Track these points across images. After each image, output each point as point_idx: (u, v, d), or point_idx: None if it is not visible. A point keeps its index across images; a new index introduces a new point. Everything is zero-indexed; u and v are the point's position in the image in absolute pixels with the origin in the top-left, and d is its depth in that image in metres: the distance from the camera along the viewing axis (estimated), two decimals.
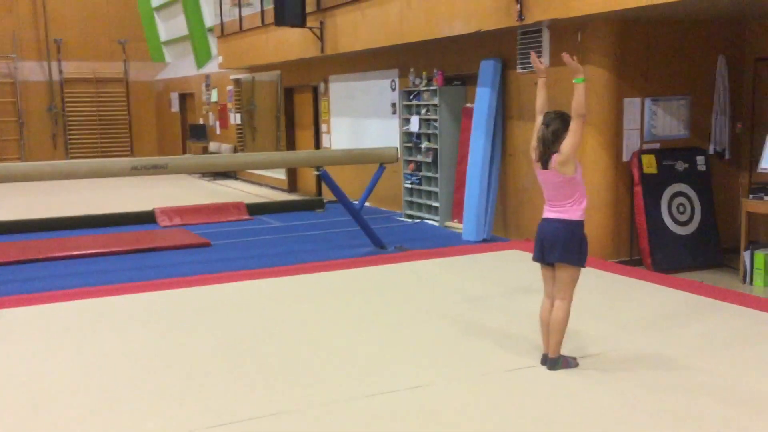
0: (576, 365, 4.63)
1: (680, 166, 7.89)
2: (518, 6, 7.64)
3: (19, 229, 10.28)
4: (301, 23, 11.15)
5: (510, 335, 5.32)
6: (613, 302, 6.20)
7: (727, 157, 8.18)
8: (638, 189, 7.74)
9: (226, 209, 11.20)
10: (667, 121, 8.00)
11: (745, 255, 7.12)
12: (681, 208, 7.84)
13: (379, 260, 7.98)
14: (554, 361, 4.57)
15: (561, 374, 4.54)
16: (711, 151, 8.12)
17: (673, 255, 7.70)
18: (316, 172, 8.10)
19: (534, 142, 4.56)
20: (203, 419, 4.03)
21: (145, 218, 10.78)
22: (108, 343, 5.39)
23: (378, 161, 8.46)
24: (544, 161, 4.49)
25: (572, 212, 4.48)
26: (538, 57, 8.07)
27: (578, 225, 4.50)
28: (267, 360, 4.96)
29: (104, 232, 10.06)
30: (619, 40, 7.67)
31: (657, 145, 7.98)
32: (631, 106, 7.81)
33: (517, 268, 7.39)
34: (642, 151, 7.83)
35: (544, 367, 4.63)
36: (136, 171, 7.24)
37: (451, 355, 4.97)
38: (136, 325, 5.80)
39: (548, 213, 4.59)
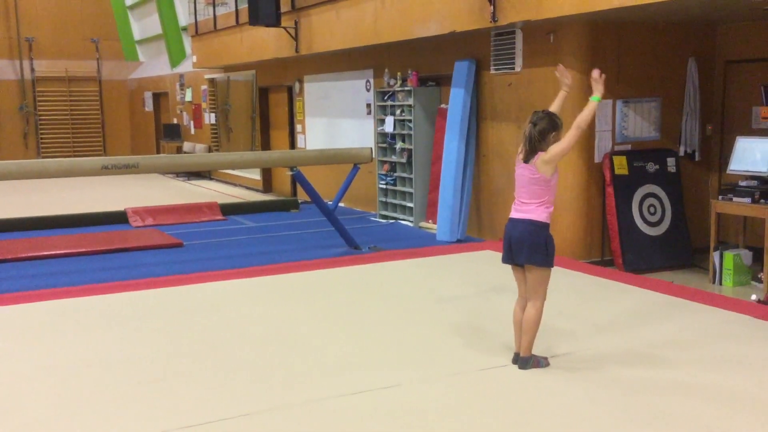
0: (547, 365, 4.65)
1: (651, 167, 7.97)
2: (491, 7, 7.68)
3: None
4: (276, 23, 11.11)
5: (482, 334, 5.34)
6: (585, 302, 6.24)
7: (697, 158, 8.28)
8: (610, 190, 7.80)
9: (199, 209, 11.13)
10: (638, 122, 8.08)
11: (715, 255, 7.20)
12: (652, 209, 7.92)
13: (353, 260, 7.98)
14: (525, 361, 4.60)
15: (532, 373, 4.57)
16: (681, 152, 8.21)
17: (643, 255, 7.77)
18: (290, 172, 8.07)
19: (523, 139, 4.58)
20: (174, 420, 4.00)
21: (117, 218, 10.67)
22: (77, 344, 5.33)
23: (352, 161, 8.45)
24: (526, 156, 4.51)
25: (538, 213, 4.51)
26: (513, 60, 8.13)
27: (544, 227, 4.53)
28: (238, 361, 4.93)
29: (75, 233, 9.95)
30: (591, 42, 7.73)
31: (628, 147, 8.05)
32: (603, 107, 7.87)
33: (490, 269, 7.42)
34: (613, 153, 7.90)
35: (515, 367, 4.65)
36: (107, 170, 7.16)
37: (424, 354, 4.98)
38: (106, 326, 5.74)
39: (515, 213, 4.61)
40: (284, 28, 11.42)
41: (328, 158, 8.45)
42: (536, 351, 4.70)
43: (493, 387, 4.42)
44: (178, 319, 5.89)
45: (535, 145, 4.47)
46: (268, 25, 11.26)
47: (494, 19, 7.70)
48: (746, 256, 7.18)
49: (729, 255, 7.11)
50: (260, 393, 4.37)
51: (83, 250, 8.64)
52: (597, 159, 7.91)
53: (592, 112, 4.48)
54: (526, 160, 4.52)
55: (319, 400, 4.24)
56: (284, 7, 11.39)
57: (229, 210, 11.46)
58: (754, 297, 6.36)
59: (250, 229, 10.26)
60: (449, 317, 5.81)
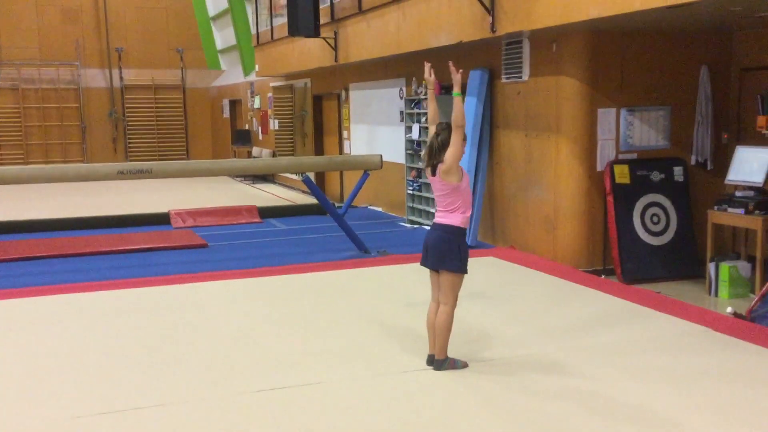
0: (464, 366, 4.79)
1: (656, 176, 7.87)
2: (491, 18, 7.80)
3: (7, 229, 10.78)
4: (314, 33, 11.48)
5: (420, 338, 5.48)
6: (543, 307, 6.30)
7: (709, 167, 8.11)
8: (610, 199, 7.76)
9: (238, 212, 11.62)
10: (645, 131, 7.99)
11: (711, 266, 7.07)
12: (655, 219, 7.82)
13: (356, 264, 8.21)
14: (441, 363, 4.75)
15: (446, 376, 4.70)
16: (693, 161, 8.06)
17: (644, 265, 7.69)
18: (299, 178, 8.41)
19: (425, 150, 4.80)
20: (94, 406, 4.39)
21: (161, 219, 11.31)
22: (60, 337, 5.82)
23: (362, 168, 8.71)
24: (433, 168, 4.71)
25: (453, 218, 4.68)
26: (521, 69, 8.13)
27: (458, 232, 4.68)
28: (187, 355, 5.28)
29: (118, 232, 10.59)
30: (593, 50, 7.72)
31: (634, 155, 7.98)
32: (606, 116, 7.84)
33: (481, 275, 7.49)
34: (616, 161, 7.85)
35: (431, 369, 4.80)
36: (122, 175, 7.71)
37: (362, 355, 5.19)
38: (88, 322, 6.18)
39: (435, 218, 4.80)
40: (324, 38, 11.80)
41: (337, 165, 8.76)
42: (462, 353, 4.85)
43: (407, 388, 4.58)
44: (159, 317, 6.27)
45: (435, 155, 4.65)
46: (307, 36, 11.65)
47: (493, 29, 7.81)
48: (744, 267, 7.03)
49: (725, 266, 6.97)
50: (186, 386, 4.70)
51: (101, 249, 9.13)
52: (599, 167, 7.89)
53: (458, 107, 4.64)
54: (434, 173, 4.70)
55: (246, 393, 4.53)
56: (324, 18, 11.78)
57: (268, 213, 11.90)
58: (729, 310, 6.20)
59: (278, 232, 10.66)
60: (407, 321, 5.97)
